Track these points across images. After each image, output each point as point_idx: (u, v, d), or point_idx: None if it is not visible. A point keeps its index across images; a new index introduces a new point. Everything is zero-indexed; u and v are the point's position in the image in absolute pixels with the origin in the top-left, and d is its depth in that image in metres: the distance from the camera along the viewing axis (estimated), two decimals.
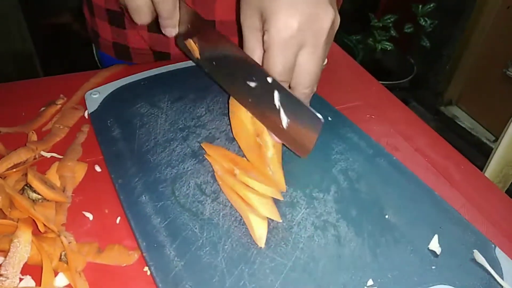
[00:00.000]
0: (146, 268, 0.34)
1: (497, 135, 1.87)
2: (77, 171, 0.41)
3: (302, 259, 0.34)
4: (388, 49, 1.81)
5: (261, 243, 0.35)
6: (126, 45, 0.64)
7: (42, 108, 0.49)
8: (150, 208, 0.37)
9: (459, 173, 0.45)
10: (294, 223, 0.37)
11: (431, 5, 1.76)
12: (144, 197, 0.38)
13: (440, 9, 1.81)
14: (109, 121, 0.46)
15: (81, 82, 0.54)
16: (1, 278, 0.31)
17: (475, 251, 0.36)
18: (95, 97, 0.49)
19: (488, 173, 0.63)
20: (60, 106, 0.50)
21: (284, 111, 0.37)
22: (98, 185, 0.41)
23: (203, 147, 0.43)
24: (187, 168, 0.42)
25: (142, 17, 0.44)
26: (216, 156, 0.42)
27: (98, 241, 0.36)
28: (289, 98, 0.36)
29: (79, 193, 0.40)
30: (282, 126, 0.38)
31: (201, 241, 0.35)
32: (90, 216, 0.38)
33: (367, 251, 0.35)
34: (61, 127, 0.46)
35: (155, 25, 0.46)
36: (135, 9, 0.43)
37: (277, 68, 0.37)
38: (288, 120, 0.37)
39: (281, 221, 0.37)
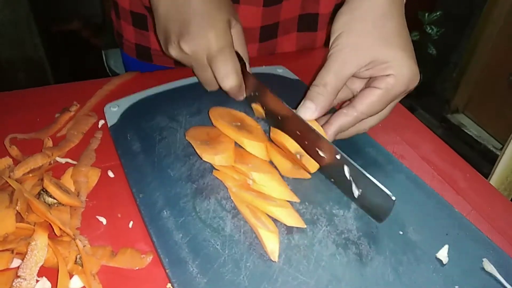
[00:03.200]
0: (169, 285, 0.34)
1: (504, 143, 1.87)
2: (91, 177, 0.43)
3: (325, 278, 0.34)
4: None
5: (274, 257, 0.35)
6: (147, 47, 0.66)
7: (57, 115, 0.50)
8: (172, 224, 0.37)
9: (465, 181, 0.46)
10: (315, 240, 0.37)
11: (438, 13, 1.76)
12: (165, 212, 0.38)
13: (446, 17, 1.82)
14: (128, 135, 0.47)
15: (94, 89, 0.55)
16: (18, 279, 0.32)
17: (484, 259, 0.37)
18: (114, 110, 0.50)
19: (494, 180, 0.63)
20: (73, 113, 0.51)
21: (356, 185, 0.39)
22: (111, 190, 0.42)
23: (210, 161, 0.43)
24: (207, 183, 0.42)
25: (211, 88, 0.50)
26: (226, 170, 0.42)
27: (111, 245, 0.37)
28: (359, 174, 0.38)
29: (93, 198, 0.41)
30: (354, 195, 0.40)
31: (223, 258, 0.35)
32: (103, 220, 0.39)
33: (389, 270, 0.35)
34: (75, 133, 0.48)
35: None
36: (204, 81, 0.50)
37: (378, 112, 0.43)
38: (359, 192, 0.39)
39: (305, 227, 0.38)
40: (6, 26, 1.49)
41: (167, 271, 0.34)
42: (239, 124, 0.45)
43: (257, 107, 0.49)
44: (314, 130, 0.40)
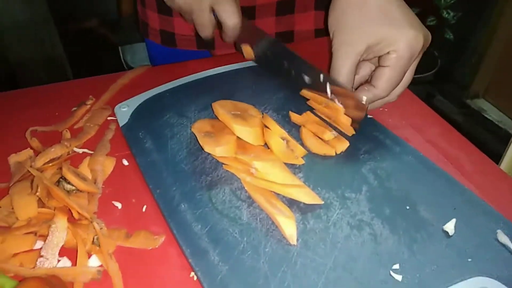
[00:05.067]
0: (192, 274, 0.36)
1: None
2: (107, 165, 0.45)
3: (341, 258, 0.36)
4: None
5: (293, 240, 0.37)
6: (172, 32, 0.70)
7: (74, 108, 0.53)
8: (190, 216, 0.39)
9: (471, 164, 0.47)
10: (330, 223, 0.39)
11: None
12: (183, 206, 0.40)
13: (464, 1, 1.78)
14: (140, 133, 0.48)
15: (108, 83, 0.57)
16: (41, 259, 0.35)
17: (499, 231, 0.37)
18: (124, 110, 0.51)
19: (505, 162, 0.63)
20: (89, 106, 0.54)
21: (337, 100, 0.46)
22: (125, 177, 0.44)
23: (218, 159, 0.45)
24: (221, 174, 0.43)
25: (206, 32, 0.55)
26: (230, 162, 0.44)
27: (126, 228, 0.39)
28: (341, 88, 0.45)
29: (109, 185, 0.44)
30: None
31: (242, 245, 0.37)
32: (119, 205, 0.41)
33: (403, 247, 0.36)
34: (91, 125, 0.50)
35: None
36: (200, 25, 0.54)
37: (397, 85, 0.46)
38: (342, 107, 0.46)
39: (323, 202, 0.40)
40: (26, 26, 1.54)
41: (189, 261, 0.36)
42: (238, 113, 0.47)
43: (246, 48, 0.55)
44: (299, 57, 0.46)
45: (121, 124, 0.50)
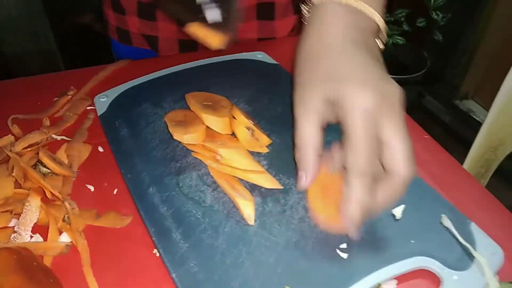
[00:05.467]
0: (155, 251, 0.38)
1: None
2: (82, 151, 0.48)
3: (294, 238, 0.39)
4: (400, 43, 1.82)
5: (251, 221, 0.40)
6: (126, 30, 0.72)
7: (55, 99, 0.56)
8: (157, 199, 0.42)
9: (426, 153, 0.49)
10: (287, 207, 0.42)
11: None
12: (151, 189, 0.43)
13: (453, 2, 1.81)
14: (117, 122, 0.51)
15: (90, 75, 0.60)
16: (14, 234, 0.38)
17: (443, 215, 0.40)
18: (103, 101, 0.54)
19: (470, 157, 0.66)
20: (71, 96, 0.56)
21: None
22: (100, 163, 0.47)
23: (187, 147, 0.47)
24: (189, 161, 0.46)
25: None
26: (197, 149, 0.46)
27: (97, 209, 0.42)
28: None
29: (84, 170, 0.46)
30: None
31: (203, 225, 0.39)
32: (91, 188, 0.44)
33: None
34: (71, 114, 0.53)
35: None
36: None
37: (363, 154, 0.32)
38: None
39: (282, 187, 0.43)
40: (21, 20, 1.57)
41: (153, 239, 0.38)
42: (210, 104, 0.49)
43: None
44: None
45: (99, 114, 0.53)
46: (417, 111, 2.10)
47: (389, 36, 1.84)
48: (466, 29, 1.91)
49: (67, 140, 0.49)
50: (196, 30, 0.48)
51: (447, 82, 2.07)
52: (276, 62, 0.63)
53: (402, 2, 1.89)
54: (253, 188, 0.43)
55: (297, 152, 0.36)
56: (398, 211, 0.41)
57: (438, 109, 2.10)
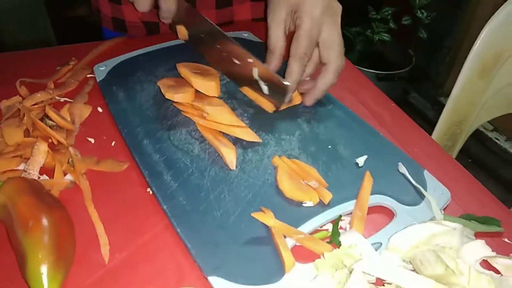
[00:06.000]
0: (148, 189, 0.44)
1: (496, 125, 1.94)
2: (84, 110, 0.53)
3: (270, 180, 0.45)
4: (386, 40, 1.89)
5: (233, 166, 0.45)
6: (122, 19, 0.76)
7: (58, 68, 0.61)
8: (151, 148, 0.47)
9: (391, 118, 0.56)
10: (264, 156, 0.48)
11: None
12: (145, 141, 0.48)
13: (438, 1, 1.88)
14: (114, 87, 0.57)
15: (90, 49, 0.66)
16: (24, 173, 0.43)
17: (400, 164, 0.46)
18: (102, 69, 0.60)
19: (436, 131, 0.72)
20: (72, 66, 0.62)
21: (263, 82, 0.53)
22: (99, 121, 0.53)
23: (178, 106, 0.53)
24: (180, 119, 0.52)
25: (142, 7, 0.57)
26: (187, 109, 0.52)
27: (97, 157, 0.47)
28: (265, 72, 0.52)
29: (85, 126, 0.52)
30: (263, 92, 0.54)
31: (191, 170, 0.45)
32: (92, 140, 0.50)
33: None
34: (72, 81, 0.58)
35: None
36: (137, 1, 0.56)
37: (304, 43, 0.50)
38: (267, 88, 0.53)
39: (261, 141, 0.49)
40: (19, 9, 1.62)
41: (147, 180, 0.44)
42: (198, 71, 0.55)
43: (180, 29, 0.60)
44: (231, 39, 0.53)
45: (98, 80, 0.58)
46: (402, 107, 2.18)
47: (376, 33, 1.92)
48: (450, 28, 1.98)
49: (69, 102, 0.55)
50: (248, 92, 0.56)
51: (431, 79, 2.15)
52: (261, 41, 0.69)
53: (389, 1, 1.96)
54: (235, 142, 0.49)
55: (269, 51, 0.53)
56: (361, 160, 0.47)
57: (423, 105, 2.17)
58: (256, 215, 0.40)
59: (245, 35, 0.70)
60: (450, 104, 0.68)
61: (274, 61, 0.53)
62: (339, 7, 0.54)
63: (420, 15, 1.87)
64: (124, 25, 0.77)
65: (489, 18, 0.71)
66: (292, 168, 0.45)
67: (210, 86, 0.53)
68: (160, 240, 0.40)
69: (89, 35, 0.80)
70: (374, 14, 1.91)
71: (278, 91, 0.51)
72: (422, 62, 2.08)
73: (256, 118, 0.53)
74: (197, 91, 0.53)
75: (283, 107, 0.54)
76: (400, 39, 1.99)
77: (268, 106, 0.54)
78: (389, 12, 1.89)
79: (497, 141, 1.89)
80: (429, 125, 2.05)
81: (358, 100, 0.59)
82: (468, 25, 1.90)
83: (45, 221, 0.35)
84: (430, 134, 0.57)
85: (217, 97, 0.54)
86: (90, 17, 1.82)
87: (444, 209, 0.44)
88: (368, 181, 0.44)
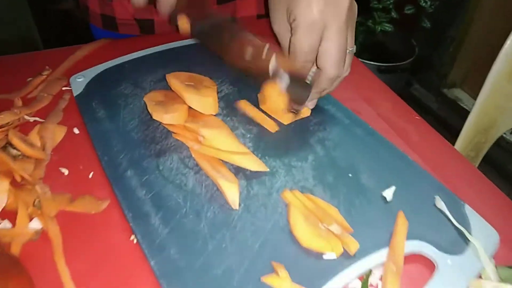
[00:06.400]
0: (132, 237, 0.36)
1: None
2: (57, 133, 0.45)
3: (281, 222, 0.36)
4: (388, 30, 1.80)
5: (235, 205, 0.37)
6: (112, 16, 0.68)
7: (29, 79, 0.53)
8: (136, 182, 0.39)
9: (417, 135, 0.48)
10: (273, 189, 0.39)
11: None
12: (129, 172, 0.40)
13: None
14: (94, 103, 0.48)
15: (67, 55, 0.57)
16: None
17: (437, 197, 0.38)
18: (80, 81, 0.51)
19: (460, 141, 0.64)
20: (45, 76, 0.53)
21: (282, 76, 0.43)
22: (75, 146, 0.44)
23: (168, 128, 0.45)
24: (170, 143, 0.44)
25: (137, 0, 0.48)
26: (178, 130, 0.44)
27: (71, 193, 0.39)
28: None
29: (57, 152, 0.43)
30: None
31: (184, 209, 0.37)
32: (65, 171, 0.42)
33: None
34: (45, 95, 0.50)
35: None
36: None
37: (304, 49, 0.42)
38: (287, 82, 0.43)
39: (268, 170, 0.41)
40: (1, 7, 1.51)
41: (130, 224, 0.36)
42: (192, 84, 0.47)
43: (182, 20, 0.48)
44: (243, 31, 0.44)
45: (75, 94, 0.50)
46: (405, 99, 2.10)
47: (377, 23, 1.83)
48: (454, 17, 1.90)
49: (41, 122, 0.46)
50: (248, 108, 0.48)
51: (435, 70, 2.07)
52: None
53: None
54: (237, 171, 0.41)
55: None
56: (388, 193, 0.39)
57: (426, 97, 2.10)
58: (268, 279, 0.32)
59: None
60: (476, 110, 0.61)
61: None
62: (343, 4, 0.42)
63: (424, 4, 1.78)
64: (115, 23, 0.69)
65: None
66: (308, 207, 0.37)
67: (206, 102, 0.45)
68: None
69: (76, 31, 0.71)
70: (375, 3, 1.82)
71: (300, 86, 0.43)
72: (425, 53, 2.00)
73: (261, 140, 0.45)
74: (190, 107, 0.45)
75: (289, 120, 0.47)
76: (402, 29, 1.91)
77: (271, 125, 0.46)
78: (391, 1, 1.80)
79: None
80: (432, 118, 1.99)
81: (378, 113, 0.50)
82: (472, 14, 1.82)
83: None
84: (437, 130, 0.48)
85: (214, 115, 0.46)
86: (75, 12, 1.72)
87: (493, 257, 0.36)
88: (402, 225, 0.36)
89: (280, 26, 0.45)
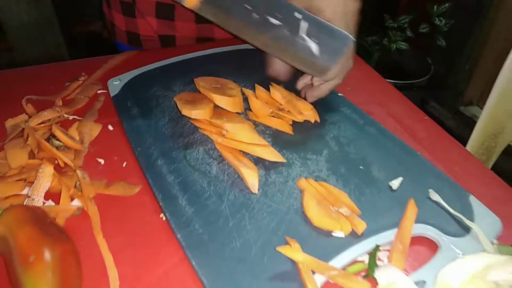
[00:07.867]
0: (162, 215, 0.40)
1: None
2: (93, 129, 0.50)
3: (295, 205, 0.40)
4: (403, 48, 1.84)
5: (255, 189, 0.41)
6: (137, 33, 0.73)
7: (67, 83, 0.58)
8: (165, 169, 0.44)
9: (424, 132, 0.51)
10: (289, 178, 0.43)
11: (446, 5, 1.78)
12: (159, 161, 0.45)
13: (457, 8, 1.83)
14: (128, 102, 0.53)
15: (100, 64, 0.63)
16: (27, 199, 0.39)
17: (430, 190, 0.41)
18: (116, 84, 0.57)
19: (470, 145, 0.67)
20: (81, 81, 0.59)
21: (311, 38, 0.46)
22: (110, 139, 0.49)
23: (195, 123, 0.49)
24: (197, 137, 0.48)
25: None
26: (205, 126, 0.48)
27: (107, 179, 0.44)
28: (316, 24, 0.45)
29: (94, 145, 0.48)
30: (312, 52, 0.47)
31: (208, 193, 0.41)
32: (102, 161, 0.46)
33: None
34: (82, 97, 0.55)
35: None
36: None
37: None
38: (317, 46, 0.46)
39: (285, 161, 0.45)
40: (31, 26, 1.61)
41: (160, 204, 0.40)
42: (218, 86, 0.51)
43: None
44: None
45: (112, 95, 0.55)
46: None
47: (393, 42, 1.87)
48: (470, 35, 1.93)
49: (78, 120, 0.51)
50: (266, 120, 0.51)
51: (451, 88, 2.08)
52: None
53: (405, 9, 1.91)
54: (257, 162, 0.45)
55: None
56: (395, 183, 0.42)
57: (442, 115, 2.11)
58: (282, 249, 0.35)
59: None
60: (484, 115, 0.63)
61: None
62: (353, 6, 0.47)
63: (439, 23, 1.82)
64: (139, 39, 0.75)
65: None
66: (320, 192, 0.41)
67: (233, 101, 0.49)
68: (175, 275, 0.35)
69: (103, 51, 0.77)
70: (391, 22, 1.87)
71: (330, 48, 0.45)
72: (441, 71, 2.02)
73: (279, 136, 0.49)
74: (215, 107, 0.50)
75: (277, 125, 0.50)
76: (418, 47, 1.94)
77: (288, 128, 0.50)
78: (406, 20, 1.84)
79: None
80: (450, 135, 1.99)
81: (388, 113, 0.54)
82: (488, 32, 1.84)
83: (48, 256, 0.32)
84: None
85: (237, 113, 0.50)
86: (104, 33, 1.81)
87: (498, 238, 0.38)
88: (412, 210, 0.39)
89: None
